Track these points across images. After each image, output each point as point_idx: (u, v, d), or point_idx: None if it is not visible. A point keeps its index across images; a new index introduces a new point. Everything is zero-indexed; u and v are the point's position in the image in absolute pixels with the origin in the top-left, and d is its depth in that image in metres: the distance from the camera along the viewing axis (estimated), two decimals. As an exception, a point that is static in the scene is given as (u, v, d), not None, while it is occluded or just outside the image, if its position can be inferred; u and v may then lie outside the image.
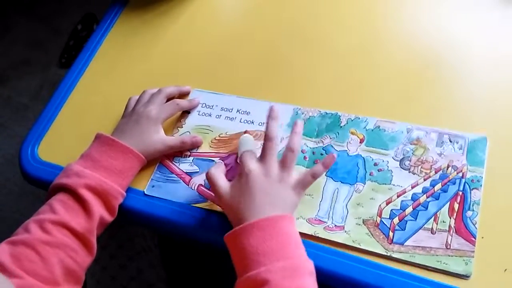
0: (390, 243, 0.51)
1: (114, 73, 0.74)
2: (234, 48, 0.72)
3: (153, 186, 0.60)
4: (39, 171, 0.65)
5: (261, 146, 0.55)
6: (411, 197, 0.54)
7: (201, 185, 0.59)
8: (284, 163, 0.52)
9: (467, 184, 0.53)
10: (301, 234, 0.52)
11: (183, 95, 0.68)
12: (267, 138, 0.54)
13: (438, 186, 0.54)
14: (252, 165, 0.52)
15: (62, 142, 0.68)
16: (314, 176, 0.52)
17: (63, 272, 0.49)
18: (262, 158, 0.53)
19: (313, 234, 0.53)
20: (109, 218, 0.55)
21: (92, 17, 1.68)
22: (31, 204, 1.38)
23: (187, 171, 0.61)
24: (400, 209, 0.53)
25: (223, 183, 0.53)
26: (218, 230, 0.55)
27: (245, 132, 0.62)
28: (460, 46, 0.65)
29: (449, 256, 0.49)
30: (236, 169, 0.58)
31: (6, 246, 0.49)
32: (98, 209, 0.53)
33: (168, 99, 0.65)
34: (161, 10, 0.79)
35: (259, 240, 0.46)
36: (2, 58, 1.69)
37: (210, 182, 0.53)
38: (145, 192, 0.60)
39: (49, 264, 0.48)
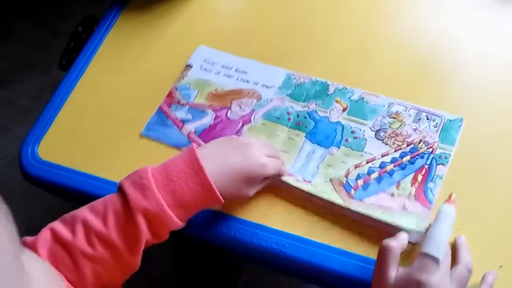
0: (350, 198, 0.55)
1: (114, 74, 0.74)
2: (232, 48, 0.73)
3: (149, 129, 0.65)
4: (39, 170, 0.66)
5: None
6: (379, 165, 0.57)
7: (191, 131, 0.65)
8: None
9: (435, 159, 0.57)
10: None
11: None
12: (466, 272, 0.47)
13: (406, 158, 0.57)
14: (436, 281, 0.43)
15: (62, 141, 0.69)
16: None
17: (94, 282, 0.48)
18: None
19: (283, 180, 0.57)
20: (154, 241, 0.51)
21: (93, 19, 1.68)
22: (32, 205, 1.38)
23: (182, 118, 0.66)
24: (367, 173, 0.57)
25: (394, 274, 0.45)
26: (213, 227, 0.57)
27: (449, 199, 0.52)
28: (454, 40, 0.67)
29: (403, 215, 0.53)
30: (226, 124, 0.62)
31: (48, 235, 0.48)
32: (147, 236, 0.49)
33: None
34: (160, 10, 0.80)
35: None
36: (4, 60, 1.70)
37: (385, 253, 0.46)
38: (142, 133, 0.65)
39: (83, 275, 0.47)
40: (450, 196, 0.52)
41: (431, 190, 0.54)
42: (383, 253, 0.46)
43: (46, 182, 0.65)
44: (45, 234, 0.48)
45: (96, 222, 0.48)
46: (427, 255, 0.44)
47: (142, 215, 0.48)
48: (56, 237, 0.48)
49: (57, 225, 0.49)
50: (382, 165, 0.57)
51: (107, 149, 0.67)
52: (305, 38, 0.72)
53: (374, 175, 0.56)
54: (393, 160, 0.57)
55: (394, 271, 0.45)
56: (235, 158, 0.51)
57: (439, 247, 0.45)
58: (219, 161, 0.51)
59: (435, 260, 0.44)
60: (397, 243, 0.46)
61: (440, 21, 0.69)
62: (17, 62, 1.69)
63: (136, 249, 0.49)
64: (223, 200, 0.50)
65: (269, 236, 0.55)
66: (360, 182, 0.56)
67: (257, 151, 0.53)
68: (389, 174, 0.56)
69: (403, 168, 0.56)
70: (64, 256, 0.47)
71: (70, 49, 1.65)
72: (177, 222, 0.49)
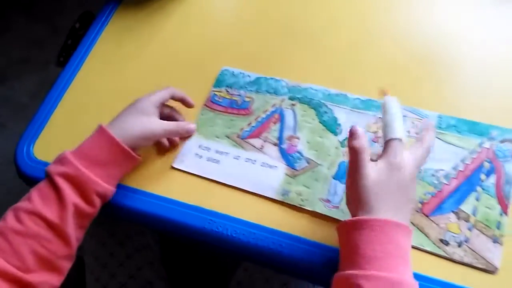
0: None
1: (109, 71, 0.74)
2: (227, 45, 0.73)
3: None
4: (34, 170, 0.66)
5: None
6: None
7: None
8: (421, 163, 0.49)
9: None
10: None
11: (185, 105, 0.67)
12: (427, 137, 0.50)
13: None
14: (405, 158, 0.47)
15: (57, 141, 0.69)
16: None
17: (36, 260, 0.50)
18: (414, 154, 0.48)
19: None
20: (87, 208, 0.54)
21: (90, 15, 1.68)
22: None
23: None
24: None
25: (370, 164, 0.47)
26: (209, 227, 0.57)
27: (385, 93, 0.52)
28: (452, 40, 0.67)
29: None
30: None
31: None
32: (73, 198, 0.53)
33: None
34: (155, 7, 0.79)
35: (368, 241, 0.44)
36: (1, 57, 1.69)
37: (357, 156, 0.47)
38: (173, 166, 0.63)
39: (20, 253, 0.49)
40: (383, 91, 0.52)
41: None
42: (359, 155, 0.47)
43: (42, 182, 0.65)
44: None
45: (21, 203, 0.53)
46: (393, 140, 0.48)
47: (61, 178, 0.53)
48: None
49: None
50: None
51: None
52: (298, 35, 0.71)
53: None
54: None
55: (371, 168, 0.47)
56: (135, 122, 0.59)
57: (399, 129, 0.48)
58: (122, 125, 0.58)
59: (400, 140, 0.48)
60: (364, 139, 0.48)
61: (439, 19, 0.69)
62: (14, 58, 1.69)
63: (64, 214, 0.51)
64: (130, 151, 0.57)
65: (266, 236, 0.55)
66: None
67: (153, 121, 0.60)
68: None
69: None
70: (0, 242, 0.49)
71: (67, 46, 1.64)
72: (99, 182, 0.54)
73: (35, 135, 0.69)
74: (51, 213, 0.51)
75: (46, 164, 0.65)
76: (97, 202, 0.55)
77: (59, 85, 0.74)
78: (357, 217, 0.45)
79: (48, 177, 0.54)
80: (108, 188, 0.56)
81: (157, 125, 0.60)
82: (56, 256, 0.51)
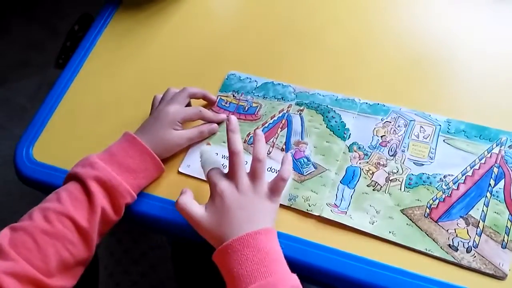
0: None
1: (108, 73, 0.74)
2: (227, 47, 0.73)
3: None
4: (34, 172, 0.66)
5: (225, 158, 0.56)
6: None
7: None
8: (254, 175, 0.53)
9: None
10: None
11: (207, 101, 0.67)
12: (232, 153, 0.53)
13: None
14: (223, 183, 0.52)
15: (56, 142, 0.69)
16: (285, 179, 0.53)
17: (58, 264, 0.49)
18: (231, 173, 0.53)
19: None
20: (113, 216, 0.54)
21: (89, 18, 1.68)
22: (31, 205, 1.38)
23: None
24: None
25: (197, 210, 0.52)
26: None
27: (208, 144, 0.63)
28: (452, 41, 0.67)
29: None
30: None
31: (8, 231, 0.50)
32: (102, 202, 0.53)
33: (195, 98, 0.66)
34: (155, 9, 0.80)
35: (234, 263, 0.47)
36: (0, 59, 1.69)
37: (183, 213, 0.52)
38: (179, 170, 0.62)
39: (45, 254, 0.49)
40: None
41: None
42: (181, 212, 0.52)
43: (41, 183, 0.65)
44: (4, 232, 0.50)
45: (50, 203, 0.52)
46: (208, 174, 0.54)
47: (94, 182, 0.53)
48: (15, 228, 0.50)
49: (13, 224, 0.51)
50: None
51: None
52: (299, 37, 0.71)
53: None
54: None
55: (200, 210, 0.52)
56: (165, 135, 0.60)
57: (209, 162, 0.56)
58: (152, 137, 0.59)
59: (214, 169, 0.54)
60: (186, 195, 0.53)
61: (438, 20, 0.69)
62: (13, 60, 1.69)
63: (92, 218, 0.51)
64: (160, 162, 0.59)
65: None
66: None
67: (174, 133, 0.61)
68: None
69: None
70: (25, 239, 0.48)
71: (66, 48, 1.65)
72: (130, 191, 0.55)
73: (35, 137, 0.69)
74: (81, 217, 0.51)
75: (45, 165, 0.66)
76: (122, 211, 0.55)
77: (58, 87, 0.74)
78: (220, 246, 0.49)
79: (79, 180, 0.54)
80: (135, 197, 0.57)
81: (181, 138, 0.61)
82: (76, 260, 0.51)
